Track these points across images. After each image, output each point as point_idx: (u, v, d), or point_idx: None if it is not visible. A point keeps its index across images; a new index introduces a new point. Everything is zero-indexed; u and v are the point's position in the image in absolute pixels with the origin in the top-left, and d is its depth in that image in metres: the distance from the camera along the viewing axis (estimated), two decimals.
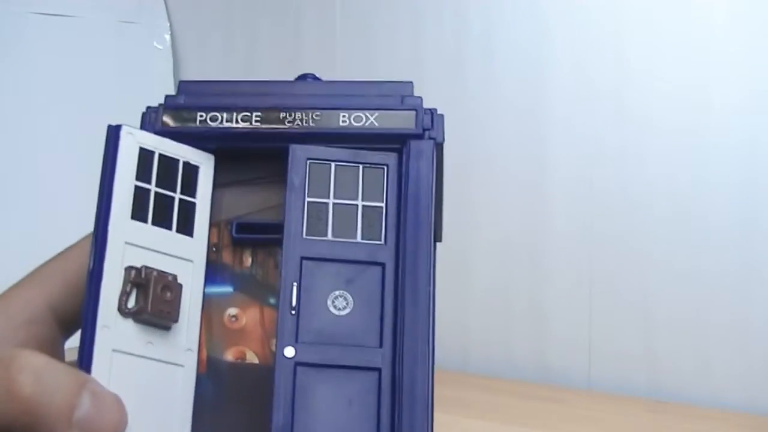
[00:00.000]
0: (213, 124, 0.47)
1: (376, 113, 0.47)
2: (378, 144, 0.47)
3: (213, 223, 0.47)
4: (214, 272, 0.46)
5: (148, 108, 0.47)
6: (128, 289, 0.42)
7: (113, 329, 0.42)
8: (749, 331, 1.12)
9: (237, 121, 0.47)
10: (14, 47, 0.90)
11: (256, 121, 0.47)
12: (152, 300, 0.42)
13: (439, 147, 0.46)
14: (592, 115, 1.23)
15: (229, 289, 0.46)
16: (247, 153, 0.47)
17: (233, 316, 0.46)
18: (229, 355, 0.45)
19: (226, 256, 0.47)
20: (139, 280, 0.43)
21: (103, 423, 0.38)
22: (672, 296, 1.16)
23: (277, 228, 0.46)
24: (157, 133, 0.46)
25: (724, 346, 1.13)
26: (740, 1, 1.15)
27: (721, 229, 1.14)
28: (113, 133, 0.45)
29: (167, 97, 0.48)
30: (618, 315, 1.20)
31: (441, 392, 1.15)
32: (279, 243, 0.46)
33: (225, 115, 0.47)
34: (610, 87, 1.22)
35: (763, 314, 1.11)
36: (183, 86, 0.48)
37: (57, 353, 0.45)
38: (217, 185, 0.47)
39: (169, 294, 0.43)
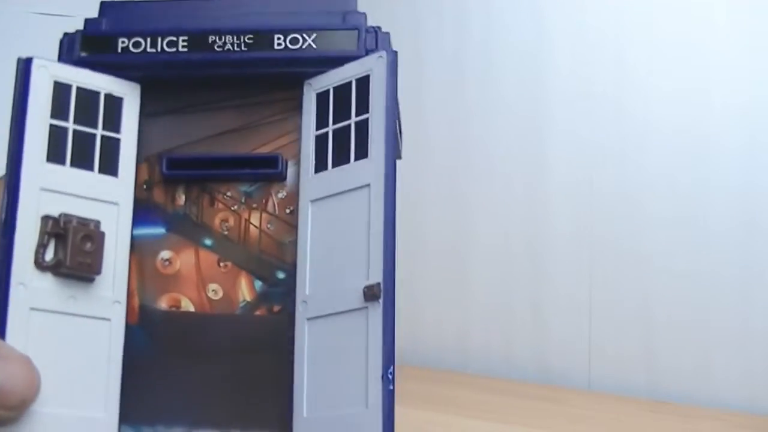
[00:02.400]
0: (136, 51, 0.42)
1: (314, 34, 0.42)
2: (318, 68, 0.43)
3: (142, 159, 0.43)
4: (144, 212, 0.43)
5: (65, 35, 0.43)
6: (45, 240, 0.39)
7: (30, 286, 0.38)
8: (749, 331, 1.10)
9: (162, 48, 0.42)
10: (14, 47, 0.88)
11: (183, 46, 0.42)
12: (71, 252, 0.39)
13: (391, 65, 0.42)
14: (592, 116, 1.19)
15: (161, 230, 0.43)
16: (176, 80, 0.43)
17: (166, 259, 0.42)
18: (163, 303, 0.42)
19: (158, 195, 0.43)
20: (57, 229, 0.39)
21: (9, 389, 0.36)
22: (672, 297, 1.15)
23: (212, 162, 0.43)
24: (74, 63, 0.42)
25: (724, 346, 1.12)
26: (740, 1, 1.11)
27: (721, 230, 1.12)
28: (23, 67, 0.40)
29: (87, 21, 0.43)
30: (618, 315, 1.19)
31: (441, 392, 1.10)
32: (214, 179, 0.43)
33: (149, 40, 0.42)
34: (610, 88, 1.18)
35: (763, 315, 1.10)
36: (104, 8, 0.44)
37: None
38: (144, 115, 0.43)
39: (89, 244, 0.39)
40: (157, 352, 0.41)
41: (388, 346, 0.37)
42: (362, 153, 0.40)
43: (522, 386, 1.17)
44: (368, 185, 0.40)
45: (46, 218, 0.39)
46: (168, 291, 0.42)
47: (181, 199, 0.43)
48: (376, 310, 0.38)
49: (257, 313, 0.42)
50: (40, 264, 0.39)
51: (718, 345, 1.12)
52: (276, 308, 0.42)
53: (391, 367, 0.37)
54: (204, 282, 0.42)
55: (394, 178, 0.39)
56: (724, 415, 1.06)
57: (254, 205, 0.43)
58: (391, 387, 0.37)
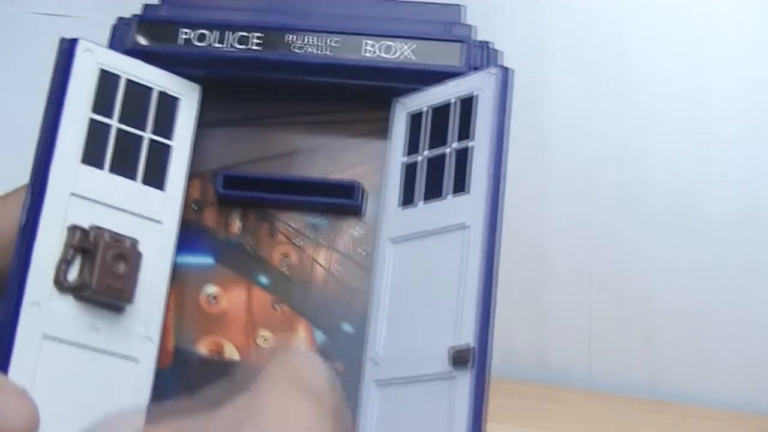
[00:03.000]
0: (200, 45, 0.36)
1: (412, 43, 0.36)
2: (413, 84, 0.36)
3: (195, 174, 0.36)
4: (191, 237, 0.36)
5: (119, 20, 0.36)
6: (69, 255, 0.32)
7: (45, 308, 0.32)
8: (750, 331, 1.08)
9: (231, 44, 0.36)
10: (14, 47, 0.89)
11: (256, 44, 0.36)
12: (99, 272, 0.32)
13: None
14: (593, 113, 1.17)
15: (209, 260, 0.36)
16: (243, 85, 0.37)
17: (212, 295, 0.35)
18: (203, 347, 0.35)
19: (209, 218, 0.36)
20: (84, 244, 0.32)
21: (3, 426, 0.28)
22: (672, 296, 1.13)
23: (277, 184, 0.36)
24: (127, 52, 0.35)
25: (724, 345, 1.10)
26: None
27: (723, 228, 1.10)
28: (66, 49, 0.34)
29: (146, 6, 0.37)
30: (618, 314, 1.15)
31: None
32: (277, 204, 0.36)
33: (217, 34, 0.36)
34: (610, 85, 1.16)
35: (764, 314, 1.08)
36: None
37: None
38: (202, 125, 0.37)
39: (123, 265, 0.32)
40: None
41: (476, 423, 0.30)
42: (461, 187, 0.33)
43: (522, 386, 1.14)
44: (466, 226, 0.33)
45: (73, 229, 0.32)
46: (210, 333, 0.35)
47: (236, 225, 0.36)
48: (464, 379, 0.30)
49: None
50: (60, 283, 0.32)
51: (718, 344, 1.10)
52: (339, 367, 0.34)
53: None
54: (254, 326, 0.35)
55: (499, 218, 0.32)
56: (724, 415, 1.06)
57: (322, 241, 0.36)
58: None
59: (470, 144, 0.34)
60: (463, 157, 0.34)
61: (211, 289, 0.35)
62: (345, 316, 0.35)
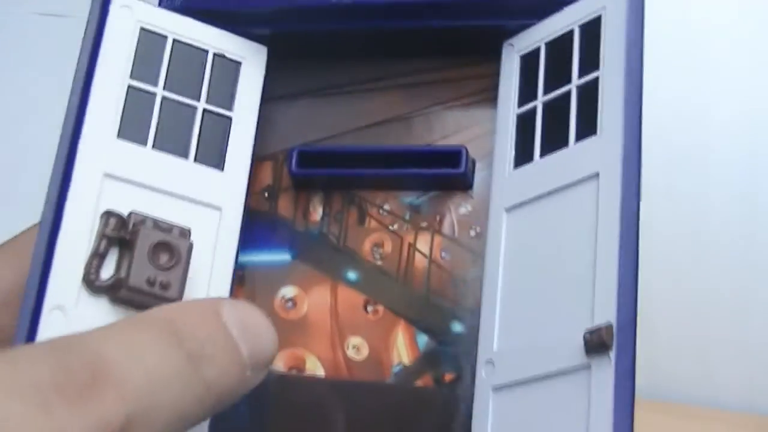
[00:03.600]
0: None
1: None
2: (525, 19, 0.29)
3: (265, 156, 0.30)
4: (263, 230, 0.29)
5: None
6: (103, 248, 0.26)
7: (71, 312, 0.25)
8: (750, 330, 1.00)
9: None
10: (14, 47, 0.88)
11: None
12: (136, 266, 0.25)
13: None
14: None
15: (285, 256, 0.29)
16: (319, 45, 0.30)
17: (289, 299, 0.29)
18: (280, 362, 0.28)
19: (284, 206, 0.30)
20: (121, 233, 0.26)
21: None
22: (672, 295, 1.04)
23: (364, 158, 0.29)
24: (177, 10, 0.29)
25: (724, 345, 1.01)
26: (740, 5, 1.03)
27: (722, 228, 1.02)
28: (100, 5, 0.28)
29: None
30: None
31: None
32: (365, 183, 0.29)
33: None
34: None
35: (763, 314, 0.99)
36: None
37: None
38: (272, 98, 0.30)
39: (167, 258, 0.26)
40: None
41: (622, 421, 0.22)
42: (588, 129, 0.26)
43: None
44: (596, 174, 0.25)
45: (107, 216, 0.26)
46: (289, 345, 0.28)
47: (318, 212, 0.29)
48: (605, 368, 0.22)
49: (419, 382, 0.27)
50: (91, 282, 0.26)
51: (718, 344, 1.01)
52: (448, 376, 0.27)
53: None
54: (342, 334, 0.28)
55: (638, 160, 0.24)
56: (724, 415, 1.00)
57: (423, 224, 0.29)
58: None
59: (597, 74, 0.26)
60: (589, 93, 0.26)
61: (289, 291, 0.29)
62: (454, 313, 0.27)
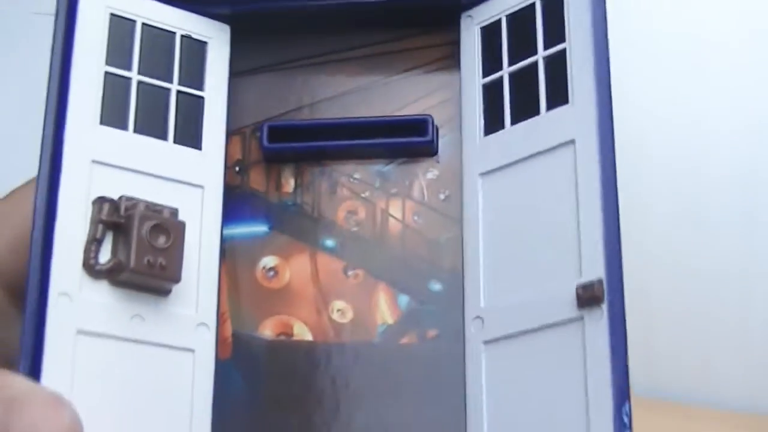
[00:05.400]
0: None
1: None
2: None
3: (232, 131, 0.31)
4: (237, 204, 0.30)
5: None
6: (99, 233, 0.27)
7: (77, 298, 0.26)
8: (750, 330, 1.05)
9: None
10: (14, 47, 0.87)
11: None
12: (136, 249, 0.26)
13: None
14: None
15: (262, 227, 0.30)
16: (278, 21, 0.31)
17: (271, 268, 0.30)
18: (267, 330, 0.29)
19: (256, 180, 0.31)
20: (115, 218, 0.27)
21: None
22: (672, 295, 1.09)
23: (332, 130, 0.30)
24: None
25: (724, 345, 1.07)
26: (738, 10, 1.05)
27: (722, 228, 1.07)
28: None
29: None
30: None
31: None
32: (335, 154, 0.30)
33: None
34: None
35: (764, 314, 1.05)
36: None
37: (11, 331, 0.29)
38: (235, 74, 0.31)
39: (163, 238, 0.27)
40: (260, 400, 0.28)
41: (619, 370, 0.24)
42: (560, 98, 0.28)
43: None
44: (572, 141, 0.27)
45: (100, 201, 0.27)
46: (274, 312, 0.29)
47: (290, 184, 0.31)
48: (598, 320, 0.25)
49: (403, 341, 0.29)
50: (91, 267, 0.26)
51: (718, 344, 1.07)
52: (431, 333, 0.29)
53: (627, 404, 0.24)
54: (326, 299, 0.29)
55: (611, 127, 0.27)
56: (724, 415, 1.03)
57: (394, 191, 0.30)
58: None
59: (564, 46, 0.28)
60: (556, 64, 0.28)
61: (270, 260, 0.30)
62: (431, 273, 0.29)
